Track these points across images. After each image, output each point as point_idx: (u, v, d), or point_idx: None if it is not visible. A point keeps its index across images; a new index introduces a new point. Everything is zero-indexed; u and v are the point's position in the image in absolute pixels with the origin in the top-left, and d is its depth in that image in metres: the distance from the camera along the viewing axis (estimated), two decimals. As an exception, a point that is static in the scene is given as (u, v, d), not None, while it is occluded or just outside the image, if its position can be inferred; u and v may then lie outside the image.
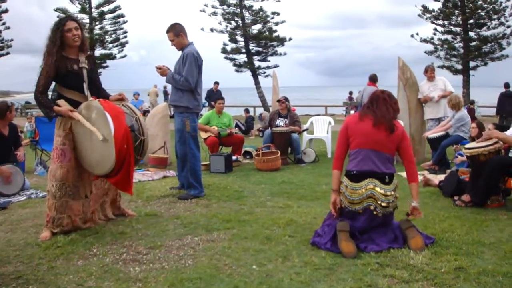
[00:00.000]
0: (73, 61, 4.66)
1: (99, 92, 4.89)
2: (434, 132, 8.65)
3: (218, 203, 5.96)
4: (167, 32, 6.26)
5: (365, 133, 4.19)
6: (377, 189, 4.05)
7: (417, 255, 3.76)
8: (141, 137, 4.76)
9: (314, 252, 3.95)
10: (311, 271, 3.51)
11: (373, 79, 11.55)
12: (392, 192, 4.10)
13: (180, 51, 6.26)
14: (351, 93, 31.23)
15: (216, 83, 21.23)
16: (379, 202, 4.05)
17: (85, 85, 4.69)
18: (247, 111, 21.04)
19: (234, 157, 9.24)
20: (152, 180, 7.75)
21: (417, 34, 27.44)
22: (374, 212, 4.07)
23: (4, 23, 32.77)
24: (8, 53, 33.02)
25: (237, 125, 16.44)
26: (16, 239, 4.54)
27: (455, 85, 9.97)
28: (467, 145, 5.93)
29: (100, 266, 3.73)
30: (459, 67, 26.65)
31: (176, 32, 6.21)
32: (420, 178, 6.94)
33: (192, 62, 6.05)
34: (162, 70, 6.23)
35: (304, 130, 10.51)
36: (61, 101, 4.54)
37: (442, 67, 26.49)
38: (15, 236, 4.65)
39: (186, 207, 5.74)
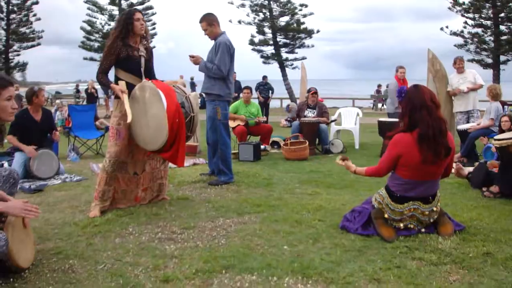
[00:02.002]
0: (134, 48, 5.03)
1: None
2: (478, 128, 8.39)
3: (248, 189, 6.08)
4: (200, 21, 6.38)
5: (419, 168, 3.92)
6: (420, 210, 4.00)
7: (445, 240, 3.83)
8: (191, 114, 5.04)
9: (343, 235, 4.04)
10: (341, 253, 3.61)
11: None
12: (434, 209, 4.06)
13: (213, 41, 6.38)
14: (379, 86, 30.97)
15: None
16: (421, 221, 4.04)
17: (142, 70, 5.07)
18: None
19: (262, 146, 9.35)
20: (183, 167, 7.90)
21: (447, 27, 27.04)
22: (416, 229, 4.06)
23: (35, 15, 33.36)
24: (39, 44, 33.59)
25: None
26: (53, 218, 4.74)
27: (485, 79, 9.83)
28: (496, 137, 5.92)
29: (137, 244, 3.90)
30: (489, 61, 26.20)
31: (210, 22, 6.34)
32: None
33: (224, 51, 6.18)
34: (195, 59, 6.36)
35: (332, 121, 10.56)
36: (122, 82, 4.92)
37: (472, 60, 26.06)
38: (53, 216, 4.86)
39: (217, 192, 5.88)
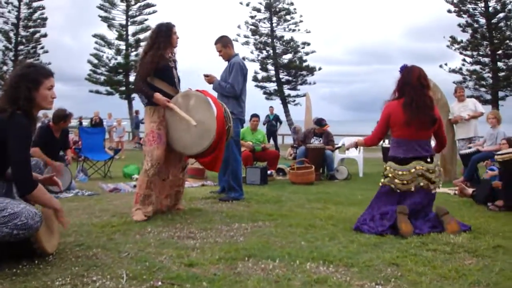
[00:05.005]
0: (168, 59, 5.28)
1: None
2: (485, 151, 8.64)
3: (258, 204, 6.18)
4: (216, 43, 6.65)
5: (408, 126, 4.53)
6: (424, 168, 4.46)
7: (457, 237, 4.01)
8: (228, 124, 5.34)
9: (358, 234, 4.20)
10: (358, 246, 3.75)
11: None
12: (436, 168, 4.56)
13: (227, 62, 6.63)
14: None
15: None
16: (429, 178, 4.47)
17: (176, 81, 5.36)
18: None
19: (268, 172, 9.46)
20: (192, 187, 8.05)
21: (446, 64, 27.63)
22: (429, 190, 4.51)
23: (42, 47, 34.28)
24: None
25: None
26: (71, 221, 4.76)
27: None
28: (500, 152, 6.12)
29: (157, 239, 4.01)
30: (488, 97, 26.70)
31: (224, 43, 6.62)
32: (452, 192, 7.20)
33: (238, 71, 6.43)
34: (209, 78, 6.59)
35: (337, 148, 10.74)
36: (157, 94, 5.10)
37: (471, 97, 26.48)
38: (70, 219, 4.90)
39: (229, 206, 5.97)
